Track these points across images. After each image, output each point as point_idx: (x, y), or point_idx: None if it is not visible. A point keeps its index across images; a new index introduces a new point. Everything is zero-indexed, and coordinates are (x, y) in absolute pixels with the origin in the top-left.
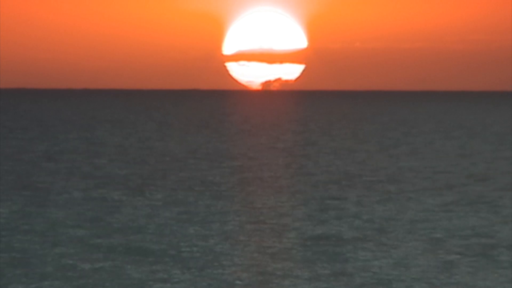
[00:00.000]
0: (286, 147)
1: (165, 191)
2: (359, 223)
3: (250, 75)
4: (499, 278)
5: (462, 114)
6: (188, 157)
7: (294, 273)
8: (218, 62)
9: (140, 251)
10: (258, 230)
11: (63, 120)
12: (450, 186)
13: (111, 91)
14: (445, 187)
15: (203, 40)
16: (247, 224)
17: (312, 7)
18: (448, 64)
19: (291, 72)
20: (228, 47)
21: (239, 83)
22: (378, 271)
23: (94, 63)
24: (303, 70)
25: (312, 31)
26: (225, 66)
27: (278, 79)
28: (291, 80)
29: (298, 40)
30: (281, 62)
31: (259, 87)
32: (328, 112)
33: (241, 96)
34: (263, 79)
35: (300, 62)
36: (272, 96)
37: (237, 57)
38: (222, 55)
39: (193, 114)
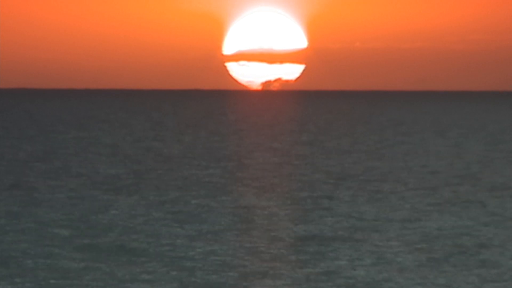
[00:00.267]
0: (281, 147)
1: (156, 191)
2: (349, 223)
3: (250, 75)
4: (487, 277)
5: (461, 114)
6: (181, 157)
7: (283, 273)
8: (218, 62)
9: (127, 251)
10: (248, 230)
11: (60, 120)
12: (441, 186)
13: (111, 91)
14: (436, 186)
15: (203, 40)
16: (237, 224)
17: (312, 7)
18: (448, 64)
19: (291, 72)
20: (228, 47)
21: (239, 83)
22: (365, 271)
23: (94, 63)
24: (303, 70)
25: (312, 31)
26: (225, 66)
27: (278, 79)
28: (291, 80)
29: (298, 40)
30: (281, 62)
31: (259, 87)
32: (326, 112)
33: (241, 96)
34: (263, 79)
35: (300, 62)
36: (272, 96)
37: (237, 57)
38: (222, 55)
39: (191, 114)
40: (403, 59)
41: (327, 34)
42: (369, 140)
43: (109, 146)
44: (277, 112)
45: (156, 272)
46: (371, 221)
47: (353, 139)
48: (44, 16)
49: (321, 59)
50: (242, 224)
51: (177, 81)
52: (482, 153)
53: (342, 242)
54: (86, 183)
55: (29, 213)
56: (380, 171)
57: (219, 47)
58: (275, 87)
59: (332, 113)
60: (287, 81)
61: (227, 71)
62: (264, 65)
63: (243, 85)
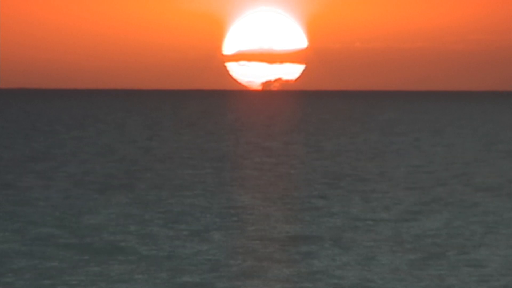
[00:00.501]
0: (277, 147)
1: (149, 191)
2: (341, 223)
3: (250, 75)
4: (478, 277)
5: (458, 114)
6: (176, 156)
7: (272, 273)
8: (218, 62)
9: (118, 251)
10: (239, 229)
11: (59, 120)
12: (434, 185)
13: (111, 91)
14: (429, 186)
15: (203, 40)
16: (228, 224)
17: (312, 7)
18: (448, 64)
19: (291, 72)
20: (228, 47)
21: (239, 83)
22: (355, 270)
23: (94, 63)
24: (303, 70)
25: (312, 31)
26: (225, 66)
27: (279, 79)
28: (291, 80)
29: (298, 40)
30: (281, 62)
31: (259, 87)
32: (323, 112)
33: (240, 96)
34: (263, 79)
35: (300, 62)
36: (271, 96)
37: (237, 57)
38: (222, 55)
39: (188, 114)
40: (403, 59)
41: (327, 34)
42: (365, 140)
43: (104, 146)
44: (274, 112)
45: (147, 272)
46: (363, 221)
47: (349, 138)
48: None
49: (321, 59)
50: (234, 224)
51: (177, 81)
52: (476, 153)
53: (333, 242)
54: (79, 182)
55: (20, 212)
56: (373, 171)
57: (219, 47)
58: (275, 87)
59: (329, 113)
60: (287, 81)
61: (227, 71)
62: (264, 65)
63: (243, 85)
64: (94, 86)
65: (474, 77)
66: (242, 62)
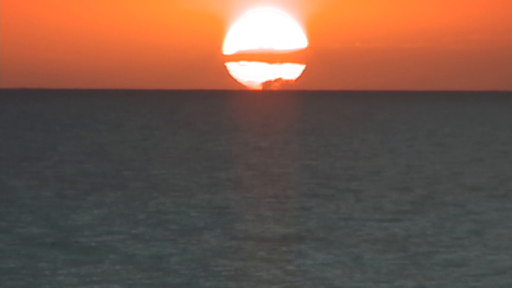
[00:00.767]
0: (270, 147)
1: (138, 190)
2: (329, 222)
3: (250, 75)
4: (462, 277)
5: (454, 114)
6: (168, 156)
7: (256, 274)
8: (218, 62)
9: (104, 251)
10: (228, 229)
11: (55, 120)
12: (423, 185)
13: (110, 91)
14: (418, 186)
15: (203, 40)
16: (216, 224)
17: (312, 7)
18: (448, 64)
19: (291, 72)
20: (228, 47)
21: (239, 83)
22: (341, 270)
23: (94, 63)
24: (303, 70)
25: (312, 31)
26: (225, 66)
27: (279, 79)
28: (291, 80)
29: (298, 40)
30: (282, 62)
31: (260, 87)
32: (322, 112)
33: (240, 96)
34: (264, 79)
35: (300, 62)
36: (271, 96)
37: (237, 57)
38: (222, 55)
39: (186, 114)
40: (403, 59)
41: (327, 34)
42: (361, 140)
43: (99, 146)
44: (272, 112)
45: (134, 272)
46: (353, 221)
47: (345, 138)
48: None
49: (321, 59)
50: (224, 224)
51: (177, 81)
52: (471, 153)
53: (321, 242)
54: (71, 182)
55: (8, 212)
56: (367, 170)
57: (219, 47)
58: (275, 87)
59: (327, 113)
60: (287, 81)
61: (227, 71)
62: (264, 65)
63: (243, 85)
64: (94, 86)
65: (474, 77)
66: (242, 62)
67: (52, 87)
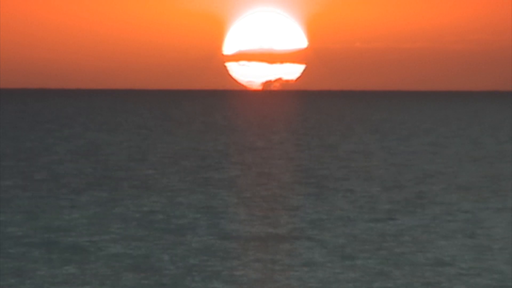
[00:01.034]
0: (263, 147)
1: (125, 191)
2: (316, 222)
3: (250, 75)
4: (437, 278)
5: (451, 114)
6: (160, 156)
7: (241, 272)
8: (218, 62)
9: (88, 251)
10: (210, 229)
11: (52, 120)
12: (412, 185)
13: (111, 91)
14: (406, 186)
15: (203, 40)
16: (202, 224)
17: (312, 7)
18: (448, 64)
19: (291, 72)
20: (228, 47)
21: (239, 83)
22: (324, 270)
23: (94, 63)
24: (303, 70)
25: (312, 31)
26: (225, 66)
27: (279, 79)
28: (291, 80)
29: (298, 40)
30: (282, 62)
31: (260, 87)
32: (320, 112)
33: (240, 96)
34: (264, 79)
35: (300, 62)
36: (271, 96)
37: (238, 57)
38: (223, 55)
39: (183, 114)
40: (403, 59)
41: (327, 34)
42: (357, 139)
43: (92, 146)
44: (269, 112)
45: (117, 271)
46: (342, 220)
47: (340, 138)
48: (44, 16)
49: (321, 59)
50: (211, 223)
51: (177, 81)
52: (464, 153)
53: (311, 241)
54: (59, 182)
55: None
56: (359, 170)
57: (219, 47)
58: (275, 87)
59: (325, 113)
60: (287, 81)
61: (227, 71)
62: (264, 65)
63: (243, 85)
64: (94, 86)
65: (474, 77)
66: (242, 62)
67: (52, 87)
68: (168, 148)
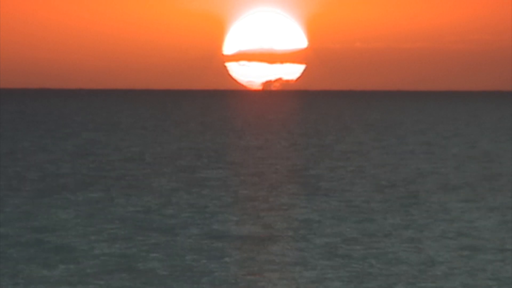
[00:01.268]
0: (256, 146)
1: (115, 191)
2: (301, 223)
3: (251, 75)
4: (419, 278)
5: (449, 114)
6: (154, 156)
7: (227, 272)
8: (218, 62)
9: (68, 250)
10: (198, 229)
11: (50, 120)
12: (400, 185)
13: (111, 91)
14: (398, 185)
15: (204, 40)
16: (189, 224)
17: (312, 7)
18: (448, 64)
19: (291, 72)
20: (228, 47)
21: (239, 83)
22: (307, 270)
23: (94, 63)
24: (304, 70)
25: (312, 31)
26: (225, 66)
27: (279, 79)
28: (291, 80)
29: (298, 40)
30: (282, 62)
31: (260, 87)
32: (319, 112)
33: (240, 96)
34: (264, 79)
35: (300, 62)
36: (271, 96)
37: (238, 57)
38: (223, 55)
39: (181, 114)
40: (403, 59)
41: (327, 34)
42: (352, 139)
43: (87, 146)
44: (267, 112)
45: (104, 273)
46: (331, 220)
47: (335, 137)
48: (44, 16)
49: (321, 59)
50: (199, 224)
51: (177, 81)
52: (457, 153)
53: (298, 242)
54: (52, 183)
55: None
56: (350, 170)
57: (219, 47)
58: (275, 87)
59: (322, 113)
60: (287, 81)
61: (227, 71)
62: (264, 65)
63: (243, 85)
64: (94, 86)
65: (474, 77)
66: (242, 62)
67: (52, 87)
68: (164, 148)
